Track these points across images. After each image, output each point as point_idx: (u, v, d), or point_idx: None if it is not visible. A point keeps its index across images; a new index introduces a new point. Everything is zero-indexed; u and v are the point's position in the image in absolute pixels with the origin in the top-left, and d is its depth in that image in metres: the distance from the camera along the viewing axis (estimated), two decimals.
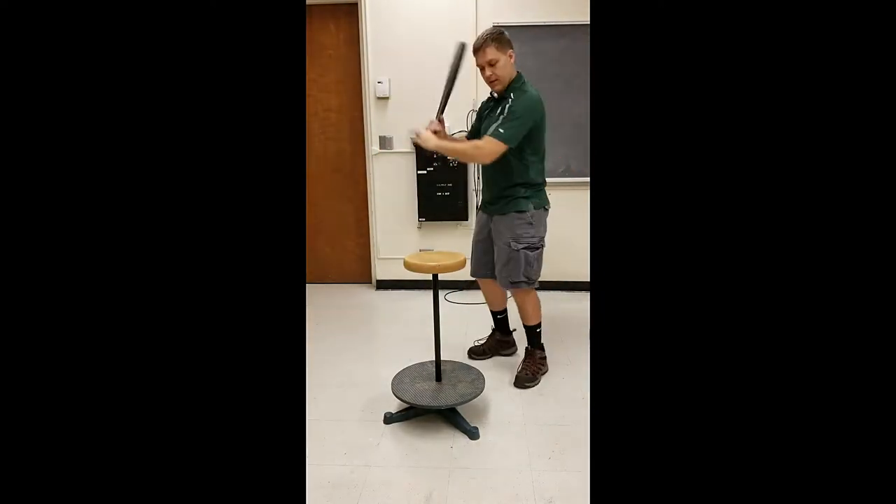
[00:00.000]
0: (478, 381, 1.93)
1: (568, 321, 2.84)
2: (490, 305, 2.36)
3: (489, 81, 1.97)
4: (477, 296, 3.28)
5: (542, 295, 3.38)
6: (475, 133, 2.14)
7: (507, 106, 1.90)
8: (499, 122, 1.89)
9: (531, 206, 2.02)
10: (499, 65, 1.93)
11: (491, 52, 1.91)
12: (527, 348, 2.23)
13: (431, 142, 1.90)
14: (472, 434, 1.76)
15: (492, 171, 2.03)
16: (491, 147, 1.88)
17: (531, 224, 2.01)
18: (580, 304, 3.13)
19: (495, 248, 2.07)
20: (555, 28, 3.05)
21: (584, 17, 3.02)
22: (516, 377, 2.11)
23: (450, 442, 1.74)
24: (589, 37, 2.92)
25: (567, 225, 3.30)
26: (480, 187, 2.20)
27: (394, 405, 1.93)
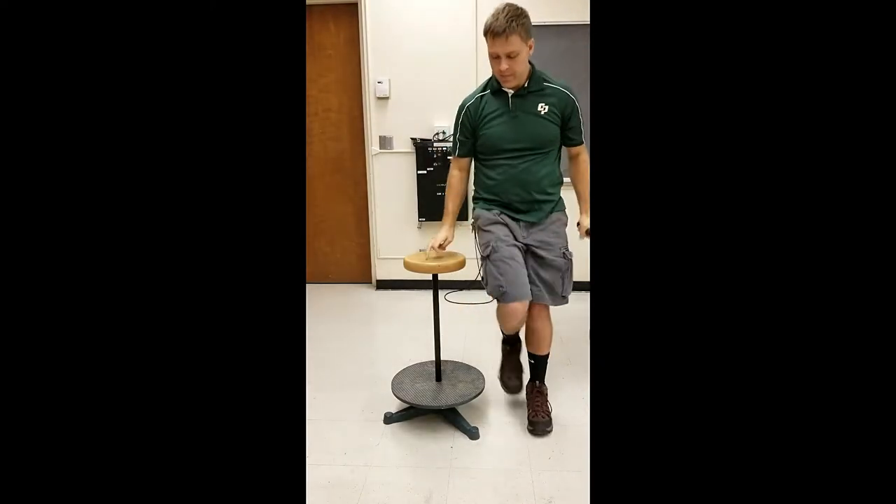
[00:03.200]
0: (478, 381, 1.93)
1: (568, 321, 2.84)
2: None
3: (503, 75, 1.60)
4: (477, 295, 3.28)
5: None
6: (468, 150, 1.79)
7: (572, 108, 1.70)
8: (580, 128, 1.75)
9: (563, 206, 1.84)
10: (520, 58, 1.57)
11: (515, 42, 1.54)
12: (535, 384, 1.87)
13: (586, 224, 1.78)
14: (472, 434, 1.76)
15: (536, 170, 1.71)
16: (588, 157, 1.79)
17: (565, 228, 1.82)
18: (580, 304, 3.12)
19: (543, 263, 1.73)
20: (555, 28, 3.05)
21: (584, 17, 3.02)
22: (533, 423, 1.77)
23: (450, 442, 1.74)
24: (589, 37, 2.91)
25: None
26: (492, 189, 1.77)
27: (394, 405, 1.93)
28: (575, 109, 1.73)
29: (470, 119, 1.75)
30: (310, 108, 3.34)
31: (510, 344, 1.96)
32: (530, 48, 1.60)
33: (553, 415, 1.87)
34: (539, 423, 1.77)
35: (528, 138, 1.69)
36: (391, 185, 3.33)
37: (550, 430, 1.77)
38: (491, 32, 1.55)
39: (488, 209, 1.78)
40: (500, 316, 1.72)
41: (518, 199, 1.73)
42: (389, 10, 3.12)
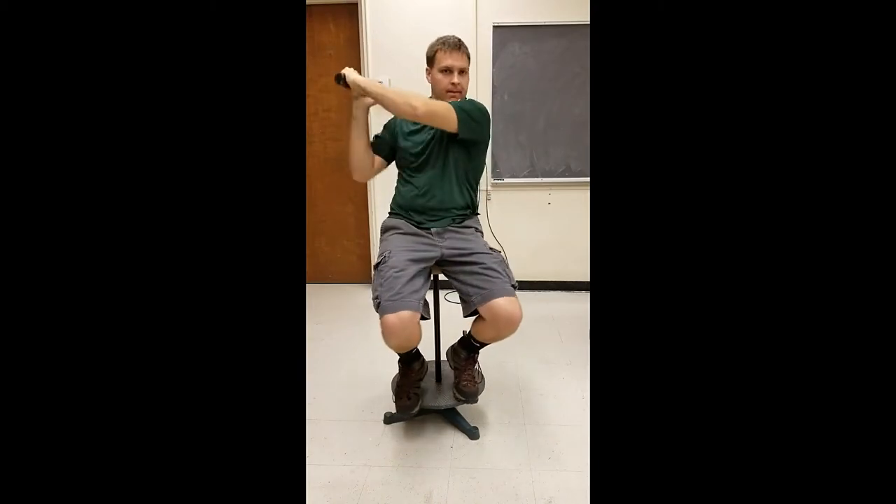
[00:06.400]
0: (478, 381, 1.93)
1: (568, 321, 2.84)
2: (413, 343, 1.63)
3: (453, 89, 1.67)
4: None
5: (542, 295, 3.40)
6: (381, 149, 1.82)
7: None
8: (459, 102, 1.66)
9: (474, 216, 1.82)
10: (467, 77, 1.70)
11: (467, 61, 1.69)
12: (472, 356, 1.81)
13: (360, 79, 1.57)
14: (472, 434, 1.76)
15: (457, 178, 1.73)
16: (448, 112, 1.58)
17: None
18: (580, 304, 3.13)
19: (474, 263, 1.61)
20: (555, 28, 3.05)
21: (584, 17, 3.02)
22: (464, 392, 1.73)
23: (450, 442, 1.74)
24: (589, 37, 2.91)
25: (567, 225, 3.31)
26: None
27: (394, 405, 1.93)
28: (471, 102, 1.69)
29: (396, 123, 1.78)
30: (310, 108, 3.34)
31: (405, 362, 1.76)
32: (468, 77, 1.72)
33: (553, 414, 1.86)
34: (471, 391, 1.71)
35: (445, 155, 1.70)
36: (391, 185, 3.32)
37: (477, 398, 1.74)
38: (448, 45, 1.65)
39: (395, 215, 1.79)
40: (382, 331, 1.54)
41: (432, 208, 1.70)
42: (389, 10, 3.11)
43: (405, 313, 1.47)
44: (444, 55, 1.66)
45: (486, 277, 1.57)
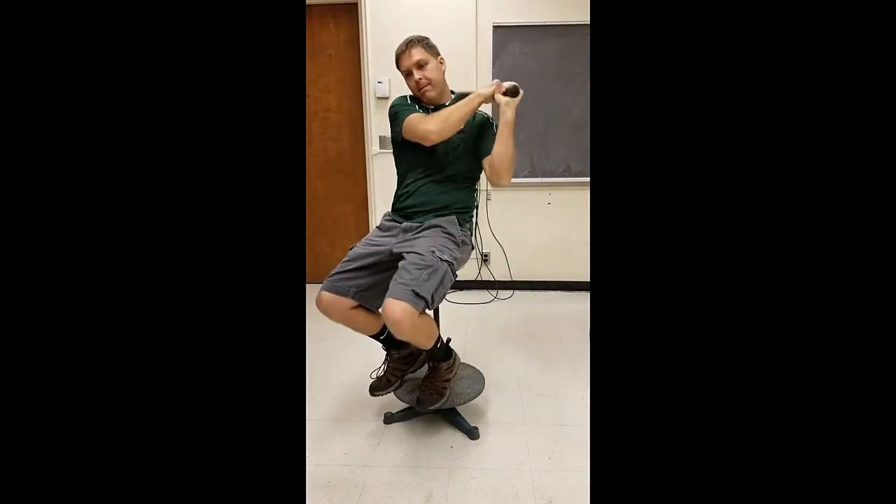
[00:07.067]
0: (478, 381, 1.93)
1: (568, 321, 2.84)
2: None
3: (420, 87, 1.69)
4: (477, 295, 3.28)
5: (542, 295, 3.41)
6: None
7: (484, 121, 1.77)
8: (493, 142, 1.73)
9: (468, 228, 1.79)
10: (429, 66, 1.69)
11: (418, 53, 1.67)
12: (430, 364, 1.80)
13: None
14: (472, 434, 1.76)
15: (449, 183, 1.75)
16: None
17: (458, 245, 1.70)
18: (580, 304, 3.13)
19: (408, 263, 1.55)
20: (555, 28, 3.05)
21: (584, 17, 3.02)
22: (420, 400, 1.73)
23: (450, 442, 1.74)
24: (589, 37, 2.90)
25: (567, 225, 3.31)
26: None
27: (394, 405, 1.93)
28: (487, 123, 1.76)
29: (407, 102, 1.75)
30: (310, 108, 3.34)
31: (384, 347, 1.83)
32: (441, 63, 1.73)
33: (553, 414, 1.86)
34: (424, 400, 1.71)
35: (442, 157, 1.71)
36: (391, 185, 3.31)
37: (439, 405, 1.71)
38: (396, 56, 1.71)
39: (386, 213, 1.85)
40: None
41: (411, 205, 1.74)
42: (389, 10, 3.11)
43: (323, 294, 1.65)
44: (400, 61, 1.72)
45: (397, 275, 1.52)
